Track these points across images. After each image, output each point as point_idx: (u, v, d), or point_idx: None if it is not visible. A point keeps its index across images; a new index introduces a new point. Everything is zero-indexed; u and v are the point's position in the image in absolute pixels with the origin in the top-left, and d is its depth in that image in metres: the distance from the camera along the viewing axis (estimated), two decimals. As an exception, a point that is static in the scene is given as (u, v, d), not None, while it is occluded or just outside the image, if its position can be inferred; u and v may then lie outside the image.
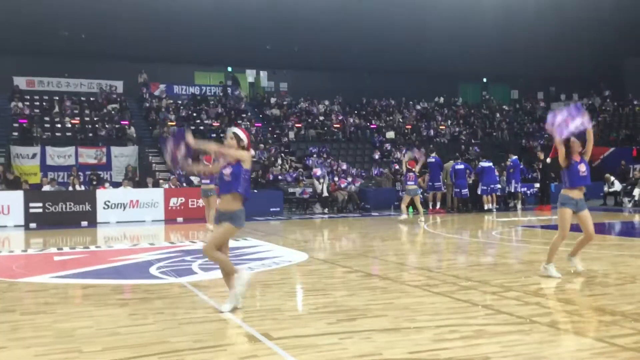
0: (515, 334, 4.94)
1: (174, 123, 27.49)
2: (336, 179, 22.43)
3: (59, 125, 25.77)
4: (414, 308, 5.89)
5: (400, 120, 31.90)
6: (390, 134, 29.67)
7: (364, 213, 20.38)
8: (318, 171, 21.87)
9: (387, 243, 12.04)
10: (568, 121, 6.98)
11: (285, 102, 32.10)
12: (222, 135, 27.52)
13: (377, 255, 10.03)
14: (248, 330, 5.13)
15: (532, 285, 7.05)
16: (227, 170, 5.83)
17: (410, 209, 18.08)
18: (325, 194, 21.32)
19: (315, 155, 26.10)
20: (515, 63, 34.28)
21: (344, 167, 24.72)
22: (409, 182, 16.79)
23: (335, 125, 30.04)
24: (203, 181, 15.02)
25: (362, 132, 30.19)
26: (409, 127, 31.25)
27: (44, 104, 28.10)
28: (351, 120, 30.74)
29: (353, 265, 8.81)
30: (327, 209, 21.10)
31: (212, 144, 6.12)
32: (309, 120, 30.41)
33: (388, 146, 28.35)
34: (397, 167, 24.69)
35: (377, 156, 27.40)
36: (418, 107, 33.95)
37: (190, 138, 5.89)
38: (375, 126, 30.73)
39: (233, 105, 30.61)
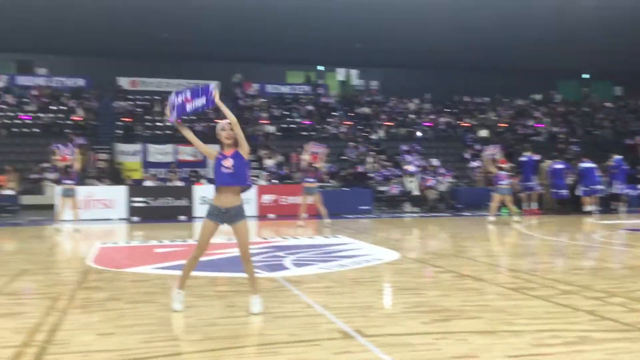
0: (622, 341, 4.68)
1: (267, 122, 28.09)
2: (426, 177, 22.12)
3: (159, 124, 26.93)
4: (510, 311, 5.71)
5: (494, 118, 31.02)
6: (483, 133, 28.93)
7: (455, 213, 19.97)
8: (411, 167, 21.63)
9: (479, 244, 11.75)
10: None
11: (375, 101, 32.01)
12: (312, 133, 27.96)
13: (469, 256, 9.80)
14: (341, 327, 5.16)
15: (638, 291, 6.65)
16: (229, 162, 5.60)
17: (505, 210, 17.53)
18: (416, 192, 21.08)
19: (406, 154, 25.85)
20: (619, 58, 32.42)
21: (434, 162, 24.29)
22: (500, 182, 16.26)
23: (425, 124, 29.63)
24: (307, 179, 15.25)
25: (453, 130, 29.62)
26: (504, 125, 30.33)
27: (146, 102, 29.48)
28: (442, 118, 30.21)
29: (445, 265, 8.66)
30: (417, 208, 20.85)
31: (230, 113, 5.73)
32: (399, 118, 30.18)
33: (480, 145, 27.66)
34: (478, 165, 23.88)
35: (468, 155, 26.80)
36: (513, 104, 32.89)
37: (217, 95, 5.61)
38: (466, 124, 30.06)
39: (324, 104, 30.86)
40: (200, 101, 5.75)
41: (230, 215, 5.70)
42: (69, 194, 14.15)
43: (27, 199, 20.78)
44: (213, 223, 5.73)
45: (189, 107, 5.76)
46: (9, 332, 4.99)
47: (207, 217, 5.75)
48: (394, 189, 21.43)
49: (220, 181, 5.66)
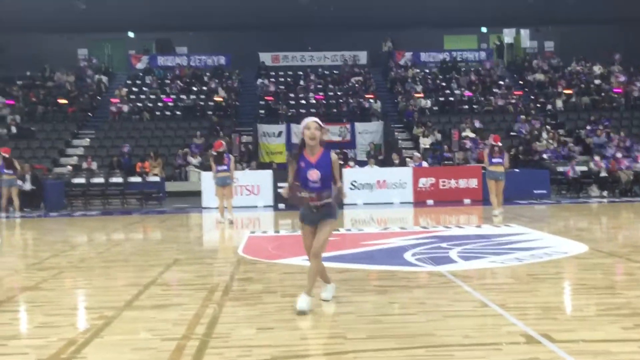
0: None
1: (421, 95, 27.95)
2: (618, 155, 20.82)
3: (303, 102, 27.78)
4: None
5: None
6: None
7: (654, 197, 18.66)
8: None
9: (690, 235, 10.90)
10: None
11: (551, 65, 30.60)
12: (475, 106, 27.38)
13: (678, 250, 9.14)
14: (524, 329, 5.07)
15: None
16: (316, 175, 5.75)
17: None
18: (604, 173, 19.95)
19: (588, 127, 24.51)
20: None
21: (628, 143, 22.81)
22: None
23: (615, 91, 27.79)
24: (494, 161, 14.68)
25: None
26: None
27: (289, 79, 30.49)
28: (637, 83, 28.17)
29: (647, 260, 8.16)
30: (606, 192, 19.75)
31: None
32: (582, 85, 28.57)
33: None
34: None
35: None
36: None
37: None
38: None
39: (488, 72, 30.08)
40: None
41: (321, 215, 5.90)
42: (226, 182, 14.42)
43: (171, 186, 22.45)
44: (310, 227, 5.98)
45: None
46: (170, 324, 5.48)
47: (302, 221, 6.01)
48: (575, 170, 20.42)
49: (305, 186, 5.83)
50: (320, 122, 5.86)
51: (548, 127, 25.08)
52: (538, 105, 27.74)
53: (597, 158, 20.63)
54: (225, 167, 14.37)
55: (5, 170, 17.88)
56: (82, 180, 21.43)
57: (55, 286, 7.60)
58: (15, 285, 7.65)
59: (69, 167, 23.66)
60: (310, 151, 5.81)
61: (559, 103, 27.35)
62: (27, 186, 19.55)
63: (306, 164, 5.80)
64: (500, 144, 14.84)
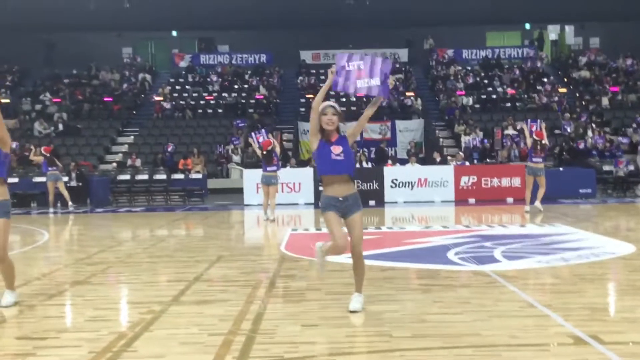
0: None
1: (463, 92, 27.70)
2: (666, 154, 20.35)
3: (343, 100, 27.75)
4: None
5: None
6: None
7: None
8: None
9: None
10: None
11: (597, 62, 30.02)
12: (518, 104, 27.00)
13: None
14: (571, 331, 5.02)
15: None
16: (339, 149, 5.57)
17: None
18: (652, 172, 19.51)
19: (636, 125, 24.00)
20: None
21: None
22: None
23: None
24: (534, 159, 14.73)
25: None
26: None
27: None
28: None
29: (699, 262, 7.97)
30: (653, 192, 19.33)
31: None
32: (629, 82, 27.96)
33: None
34: None
35: None
36: None
37: (392, 80, 5.64)
38: None
39: (532, 68, 29.65)
40: (374, 83, 5.56)
41: (348, 205, 5.67)
42: (272, 181, 14.35)
43: (212, 183, 22.69)
44: (336, 213, 5.69)
45: (360, 84, 5.60)
46: (216, 319, 5.57)
47: (328, 210, 5.68)
48: (623, 169, 20.01)
49: (329, 169, 5.62)
50: (337, 107, 5.69)
51: (594, 125, 24.62)
52: (583, 103, 27.24)
53: (644, 156, 20.19)
54: (274, 168, 14.38)
55: (49, 168, 18.34)
56: (126, 177, 21.80)
57: (104, 280, 7.78)
58: (65, 280, 7.84)
59: (114, 164, 24.11)
60: (328, 136, 5.65)
61: (605, 101, 26.83)
62: (73, 183, 20.00)
63: (329, 142, 5.62)
64: (544, 141, 14.64)
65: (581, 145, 22.41)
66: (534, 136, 14.63)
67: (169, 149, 24.23)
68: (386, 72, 5.58)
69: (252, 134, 15.59)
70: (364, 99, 24.05)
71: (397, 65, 30.79)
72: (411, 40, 32.51)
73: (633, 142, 22.88)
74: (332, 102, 5.74)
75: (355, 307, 5.72)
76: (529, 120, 15.92)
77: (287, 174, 19.20)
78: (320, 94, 5.64)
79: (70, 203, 18.45)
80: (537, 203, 14.82)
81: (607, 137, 23.55)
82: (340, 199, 5.66)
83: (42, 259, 9.92)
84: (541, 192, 14.81)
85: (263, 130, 15.42)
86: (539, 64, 30.09)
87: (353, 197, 5.70)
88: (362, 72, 5.61)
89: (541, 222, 12.88)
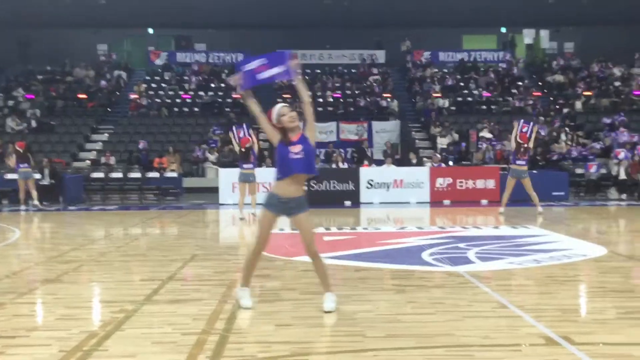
0: None
1: (439, 95, 27.86)
2: (637, 158, 20.62)
3: (320, 100, 27.77)
4: None
5: None
6: None
7: (674, 201, 18.47)
8: (621, 153, 20.26)
9: None
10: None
11: (571, 66, 30.40)
12: (493, 107, 27.24)
13: (699, 255, 9.07)
14: (543, 331, 5.07)
15: None
16: (298, 147, 5.57)
17: None
18: (623, 176, 19.79)
19: (607, 129, 24.27)
20: None
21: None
22: None
23: (635, 93, 27.57)
24: (517, 161, 14.79)
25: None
26: None
27: (306, 77, 30.46)
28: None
29: (667, 264, 8.10)
30: (625, 195, 19.59)
31: (305, 90, 5.79)
32: (602, 87, 28.36)
33: None
34: None
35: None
36: None
37: (296, 66, 5.73)
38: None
39: (507, 72, 29.92)
40: (276, 70, 5.85)
41: (289, 207, 5.69)
42: (249, 179, 14.48)
43: (188, 182, 22.55)
44: (272, 214, 5.72)
45: (262, 75, 5.86)
46: (190, 319, 5.53)
47: (266, 208, 5.72)
48: (593, 172, 20.27)
49: (287, 169, 5.59)
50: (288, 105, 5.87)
51: (567, 128, 24.89)
52: (557, 106, 27.53)
53: (617, 160, 20.40)
54: (250, 165, 14.47)
55: (21, 165, 18.04)
56: (100, 175, 21.56)
57: (76, 279, 7.68)
58: (36, 278, 7.73)
59: (88, 162, 23.83)
60: (288, 137, 5.67)
61: (578, 105, 27.15)
62: (46, 180, 19.72)
63: (289, 142, 5.64)
64: (527, 145, 14.71)
65: (554, 157, 22.48)
66: (518, 139, 14.69)
67: (140, 146, 24.00)
68: (287, 60, 5.85)
69: (233, 127, 15.43)
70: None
71: (374, 68, 30.90)
72: (381, 41, 32.58)
73: (605, 145, 23.16)
74: (281, 103, 5.91)
75: (330, 307, 5.72)
76: (521, 120, 15.87)
77: (262, 174, 19.11)
78: (252, 106, 5.88)
79: (36, 202, 18.04)
80: (539, 208, 14.71)
81: (579, 140, 23.82)
82: (283, 200, 5.66)
83: (13, 256, 9.79)
84: (533, 195, 14.78)
85: (244, 125, 15.28)
86: (515, 70, 30.35)
87: (296, 200, 5.68)
88: (264, 66, 5.88)
89: (514, 224, 12.99)
